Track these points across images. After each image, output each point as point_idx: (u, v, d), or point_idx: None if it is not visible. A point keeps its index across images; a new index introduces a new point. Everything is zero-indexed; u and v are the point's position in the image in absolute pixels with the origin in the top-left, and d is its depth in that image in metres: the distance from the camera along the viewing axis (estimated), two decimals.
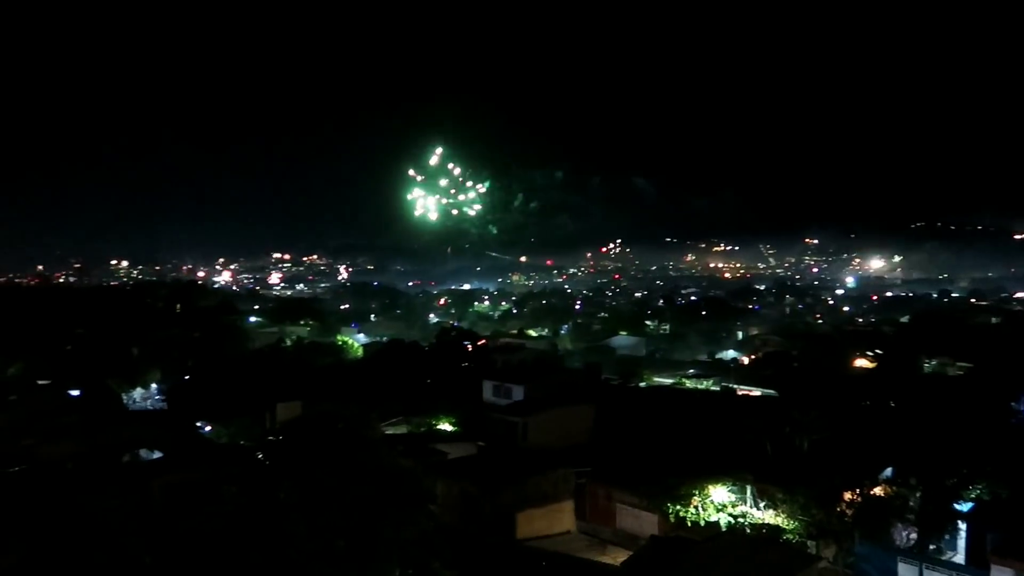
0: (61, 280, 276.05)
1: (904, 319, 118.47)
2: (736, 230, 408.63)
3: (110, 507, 18.89)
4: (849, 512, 28.74)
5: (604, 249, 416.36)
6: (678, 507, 31.92)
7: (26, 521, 18.21)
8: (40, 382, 58.10)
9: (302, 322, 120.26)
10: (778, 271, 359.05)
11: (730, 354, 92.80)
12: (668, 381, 67.34)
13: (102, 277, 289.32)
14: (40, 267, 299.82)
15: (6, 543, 16.03)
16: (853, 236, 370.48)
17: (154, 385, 65.14)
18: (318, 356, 76.39)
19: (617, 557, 30.77)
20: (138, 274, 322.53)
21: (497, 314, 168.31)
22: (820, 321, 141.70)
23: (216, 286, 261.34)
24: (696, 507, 31.64)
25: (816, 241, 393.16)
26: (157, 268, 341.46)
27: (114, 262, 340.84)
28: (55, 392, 54.26)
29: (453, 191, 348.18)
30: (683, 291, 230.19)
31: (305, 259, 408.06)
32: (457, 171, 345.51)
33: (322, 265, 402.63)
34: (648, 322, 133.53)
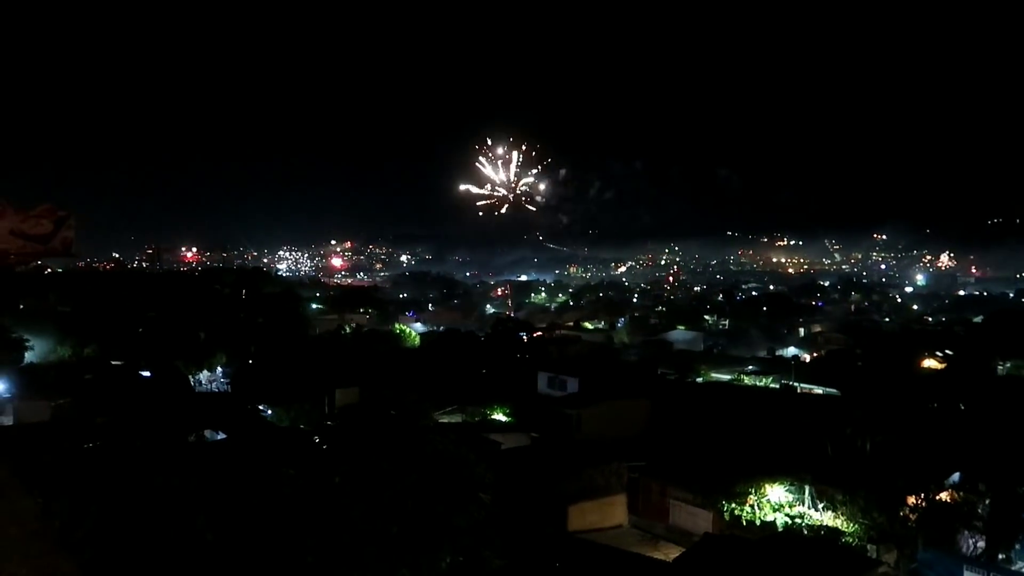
0: (134, 265, 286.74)
1: (977, 319, 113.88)
2: (800, 224, 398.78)
3: (176, 485, 19.54)
4: (913, 517, 27.83)
5: (661, 243, 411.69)
6: (733, 505, 31.42)
7: (98, 496, 18.99)
8: (113, 363, 60.47)
9: (361, 310, 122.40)
10: (844, 267, 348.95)
11: (791, 351, 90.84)
12: (726, 377, 66.42)
13: (172, 263, 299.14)
14: (116, 253, 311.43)
15: (79, 516, 16.75)
16: (928, 231, 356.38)
17: (219, 368, 67.12)
18: (376, 344, 77.65)
19: (670, 553, 30.46)
20: (207, 260, 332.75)
21: (553, 306, 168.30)
22: (887, 320, 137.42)
23: (280, 273, 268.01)
24: (752, 506, 31.09)
25: (885, 237, 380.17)
26: (224, 255, 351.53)
27: (184, 249, 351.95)
28: (127, 372, 56.50)
29: (515, 181, 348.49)
30: (743, 286, 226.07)
31: (366, 248, 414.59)
32: (518, 160, 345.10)
33: (382, 254, 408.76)
34: (707, 317, 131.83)
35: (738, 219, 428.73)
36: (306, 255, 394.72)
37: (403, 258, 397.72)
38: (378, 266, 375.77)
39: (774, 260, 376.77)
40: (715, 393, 54.76)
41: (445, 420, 47.64)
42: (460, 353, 69.99)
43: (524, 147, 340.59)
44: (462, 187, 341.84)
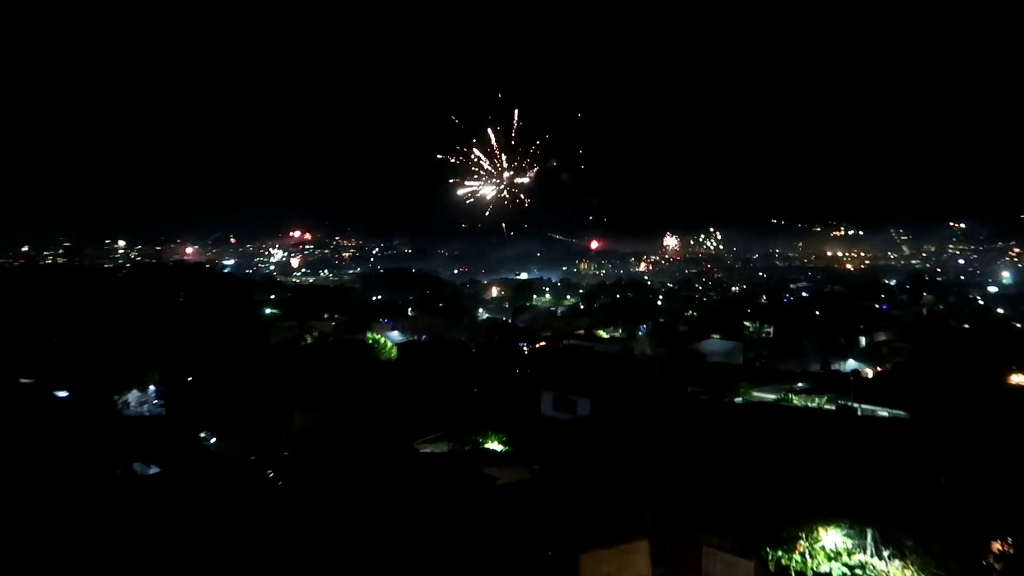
0: (49, 261, 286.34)
1: None
2: (861, 211, 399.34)
3: (95, 530, 19.47)
4: (998, 567, 27.80)
5: (692, 232, 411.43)
6: (780, 553, 31.34)
7: None
8: (22, 380, 60.25)
9: (326, 315, 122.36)
10: (913, 262, 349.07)
11: (850, 365, 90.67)
12: (771, 397, 66.21)
13: (95, 258, 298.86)
14: (26, 247, 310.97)
15: None
16: (1022, 218, 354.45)
17: (152, 387, 66.94)
18: (344, 357, 77.53)
19: None
20: (137, 255, 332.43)
21: (560, 310, 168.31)
22: (967, 326, 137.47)
23: (226, 270, 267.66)
24: (803, 554, 31.02)
25: (963, 226, 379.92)
26: (158, 249, 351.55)
27: (109, 241, 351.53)
28: (39, 393, 56.24)
29: (512, 159, 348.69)
30: (792, 285, 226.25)
31: (331, 240, 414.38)
32: (516, 134, 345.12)
33: (351, 247, 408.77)
34: (747, 323, 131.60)
35: (785, 205, 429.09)
36: (258, 249, 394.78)
37: (376, 252, 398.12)
38: (346, 259, 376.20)
39: (829, 254, 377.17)
40: (758, 416, 54.57)
41: (428, 449, 47.50)
42: (447, 368, 69.91)
43: (518, 123, 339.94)
44: (445, 159, 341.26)
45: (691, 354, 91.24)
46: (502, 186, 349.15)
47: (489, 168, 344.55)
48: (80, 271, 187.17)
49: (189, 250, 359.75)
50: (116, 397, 61.89)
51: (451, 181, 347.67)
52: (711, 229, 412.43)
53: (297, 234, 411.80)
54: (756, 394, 67.63)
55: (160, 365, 69.10)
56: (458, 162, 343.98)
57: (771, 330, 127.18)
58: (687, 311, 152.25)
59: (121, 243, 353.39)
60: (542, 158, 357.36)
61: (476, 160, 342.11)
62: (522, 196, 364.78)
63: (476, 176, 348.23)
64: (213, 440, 49.23)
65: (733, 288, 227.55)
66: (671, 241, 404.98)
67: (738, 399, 64.59)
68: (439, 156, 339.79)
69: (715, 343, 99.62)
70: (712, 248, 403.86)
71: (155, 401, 65.54)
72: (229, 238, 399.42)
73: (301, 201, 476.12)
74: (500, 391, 60.33)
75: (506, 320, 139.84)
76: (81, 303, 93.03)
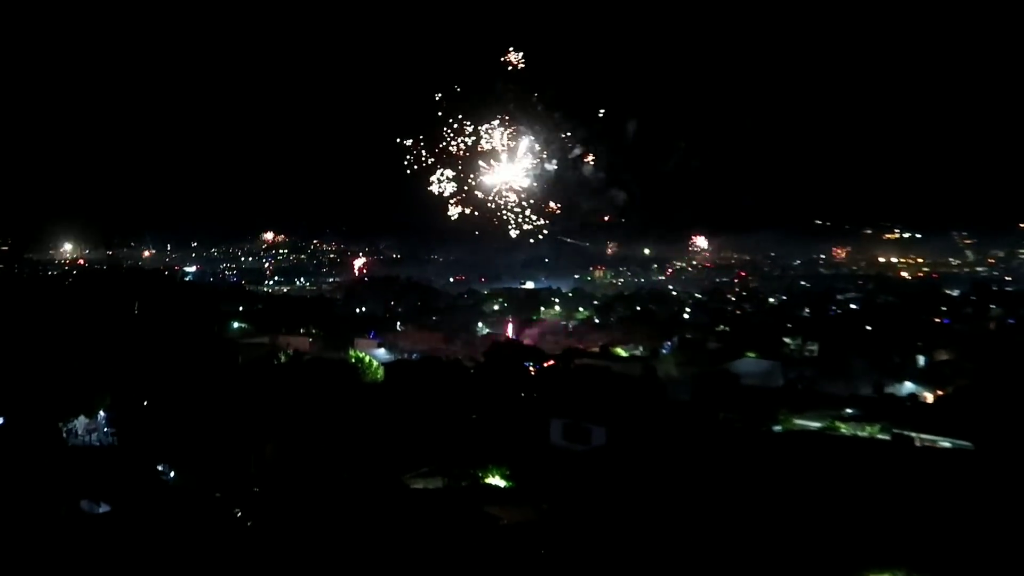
0: None
1: None
2: (918, 211, 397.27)
3: None
4: None
5: (724, 235, 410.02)
6: None
7: None
8: None
9: (302, 330, 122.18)
10: (979, 269, 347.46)
11: (907, 388, 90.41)
12: (815, 425, 65.99)
13: (37, 264, 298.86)
14: None
15: None
16: None
17: (102, 413, 66.85)
18: (323, 378, 77.40)
19: None
20: (84, 261, 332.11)
21: (572, 324, 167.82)
22: None
23: (188, 278, 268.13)
24: None
25: None
26: (109, 253, 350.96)
27: (53, 245, 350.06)
28: None
29: (517, 148, 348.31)
30: (839, 296, 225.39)
31: (307, 243, 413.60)
32: (519, 122, 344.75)
33: (331, 251, 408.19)
34: (787, 339, 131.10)
35: (831, 203, 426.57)
36: (224, 253, 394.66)
37: (360, 259, 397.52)
38: (325, 269, 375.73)
39: (881, 260, 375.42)
40: (800, 448, 54.39)
41: (420, 485, 47.37)
42: (441, 391, 69.70)
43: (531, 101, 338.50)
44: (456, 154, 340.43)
45: (723, 375, 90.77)
46: (505, 180, 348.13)
47: (490, 156, 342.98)
48: (18, 279, 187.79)
49: (145, 255, 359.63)
50: (60, 424, 61.80)
51: (442, 174, 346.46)
52: (746, 231, 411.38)
53: (269, 236, 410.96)
54: (798, 422, 67.35)
55: (111, 387, 68.94)
56: (451, 150, 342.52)
57: (815, 348, 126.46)
58: (718, 326, 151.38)
59: (67, 246, 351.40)
60: (554, 148, 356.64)
61: (472, 147, 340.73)
62: (528, 192, 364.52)
63: (472, 167, 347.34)
64: (172, 474, 49.15)
65: (771, 299, 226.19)
66: (699, 245, 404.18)
67: (777, 428, 64.33)
68: (420, 142, 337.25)
69: (750, 363, 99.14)
70: (746, 253, 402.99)
71: (105, 429, 65.38)
72: (191, 241, 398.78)
73: (272, 199, 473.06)
74: (502, 418, 60.22)
75: (509, 336, 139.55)
76: (20, 316, 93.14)
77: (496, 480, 49.29)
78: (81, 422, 65.49)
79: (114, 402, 67.46)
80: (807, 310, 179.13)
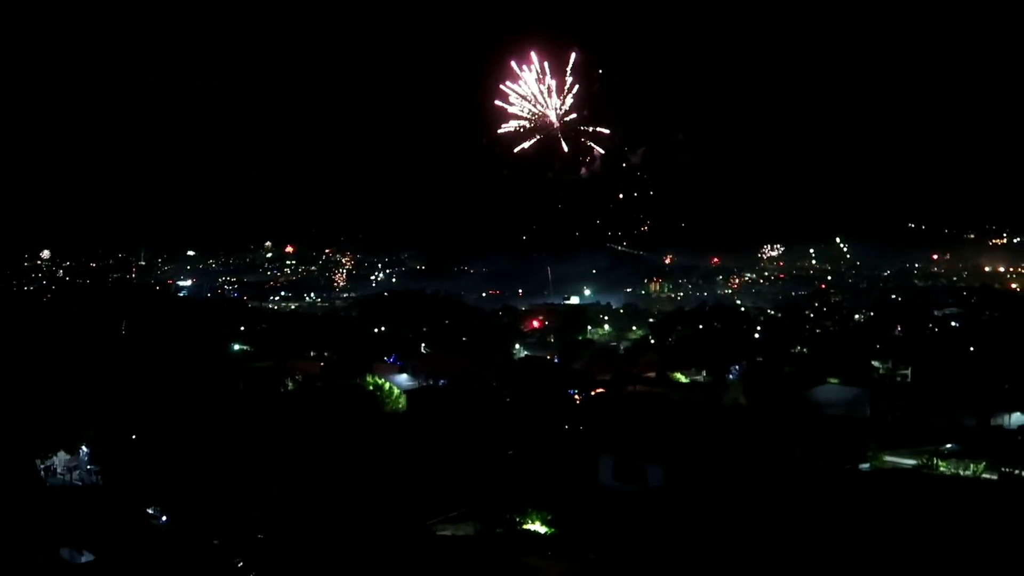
0: None
1: None
2: None
3: None
4: None
5: (801, 241, 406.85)
6: None
7: None
8: None
9: (312, 353, 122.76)
10: None
11: (1017, 419, 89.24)
12: (909, 462, 65.32)
13: (11, 277, 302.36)
14: None
15: None
16: None
17: (85, 448, 67.37)
18: (337, 408, 77.63)
19: None
20: (65, 273, 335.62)
21: (624, 345, 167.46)
22: None
23: (182, 293, 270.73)
24: None
25: None
26: (93, 265, 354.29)
27: (29, 255, 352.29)
28: None
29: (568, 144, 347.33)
30: (937, 312, 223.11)
31: (319, 253, 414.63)
32: (567, 107, 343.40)
33: (347, 262, 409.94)
34: (875, 362, 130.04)
35: (926, 205, 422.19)
36: (225, 265, 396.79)
37: (377, 273, 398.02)
38: (340, 282, 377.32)
39: (987, 269, 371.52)
40: (892, 489, 53.86)
41: (448, 532, 47.33)
42: (472, 423, 69.72)
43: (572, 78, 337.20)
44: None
45: (800, 405, 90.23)
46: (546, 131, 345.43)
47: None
48: None
49: (134, 267, 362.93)
50: (38, 461, 62.34)
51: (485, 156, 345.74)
52: (827, 236, 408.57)
53: (271, 244, 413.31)
54: (889, 459, 66.66)
55: (95, 419, 69.52)
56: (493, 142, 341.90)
57: (908, 372, 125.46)
58: (794, 347, 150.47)
59: (45, 254, 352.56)
60: (607, 145, 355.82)
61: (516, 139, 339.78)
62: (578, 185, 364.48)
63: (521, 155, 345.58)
64: (164, 518, 49.39)
65: (856, 315, 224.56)
66: (772, 253, 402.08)
67: (864, 465, 63.70)
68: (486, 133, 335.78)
69: (833, 390, 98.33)
70: (827, 262, 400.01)
71: (88, 466, 65.86)
72: (186, 251, 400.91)
73: (279, 202, 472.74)
74: (543, 454, 60.07)
75: (552, 358, 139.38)
76: None
77: (536, 526, 49.13)
78: (61, 459, 65.99)
79: (98, 436, 67.92)
80: (899, 328, 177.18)
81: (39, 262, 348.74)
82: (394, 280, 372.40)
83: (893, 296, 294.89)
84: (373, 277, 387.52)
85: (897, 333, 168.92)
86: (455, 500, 49.96)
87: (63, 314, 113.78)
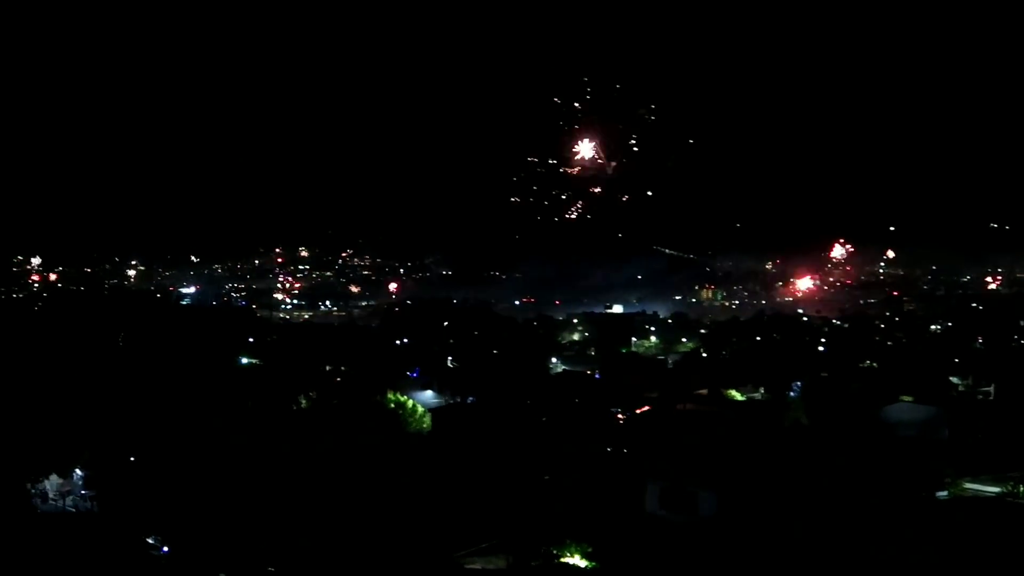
0: None
1: None
2: None
3: None
4: None
5: (870, 244, 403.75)
6: None
7: None
8: None
9: (327, 367, 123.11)
10: None
11: None
12: (992, 490, 64.89)
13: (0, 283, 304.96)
14: None
15: None
16: None
17: (79, 471, 67.82)
18: (354, 427, 77.79)
19: None
20: (58, 279, 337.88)
21: (672, 359, 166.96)
22: None
23: (185, 301, 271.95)
24: None
25: None
26: (89, 270, 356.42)
27: (19, 259, 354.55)
28: None
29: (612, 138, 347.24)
30: (1022, 322, 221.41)
31: (335, 257, 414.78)
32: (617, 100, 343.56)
33: (363, 267, 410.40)
34: (954, 379, 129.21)
35: (1011, 202, 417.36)
36: (231, 270, 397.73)
37: (394, 283, 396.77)
38: (356, 288, 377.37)
39: None
40: (974, 520, 53.37)
41: (478, 566, 47.36)
42: (504, 444, 69.74)
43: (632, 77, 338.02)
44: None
45: (870, 426, 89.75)
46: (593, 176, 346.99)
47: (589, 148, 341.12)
48: None
49: (132, 272, 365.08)
50: (28, 485, 62.78)
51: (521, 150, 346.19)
52: (898, 239, 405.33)
53: (283, 249, 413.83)
54: (970, 486, 66.23)
55: (91, 439, 69.96)
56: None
57: (991, 389, 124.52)
58: (863, 361, 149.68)
59: (36, 261, 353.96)
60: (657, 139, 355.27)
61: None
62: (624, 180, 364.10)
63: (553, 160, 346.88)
64: (165, 548, 49.65)
65: (933, 326, 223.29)
66: (838, 256, 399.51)
67: (942, 493, 63.30)
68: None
69: (906, 408, 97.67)
70: (899, 267, 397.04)
71: (83, 491, 66.28)
72: (188, 256, 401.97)
73: (291, 202, 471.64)
74: (583, 479, 59.98)
75: (592, 373, 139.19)
76: None
77: (575, 559, 49.10)
78: (53, 482, 66.45)
79: (93, 457, 68.32)
80: (980, 340, 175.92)
81: (29, 267, 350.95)
82: (419, 285, 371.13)
83: (974, 304, 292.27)
84: (394, 284, 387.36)
85: (978, 346, 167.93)
86: (485, 530, 50.00)
87: (55, 324, 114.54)
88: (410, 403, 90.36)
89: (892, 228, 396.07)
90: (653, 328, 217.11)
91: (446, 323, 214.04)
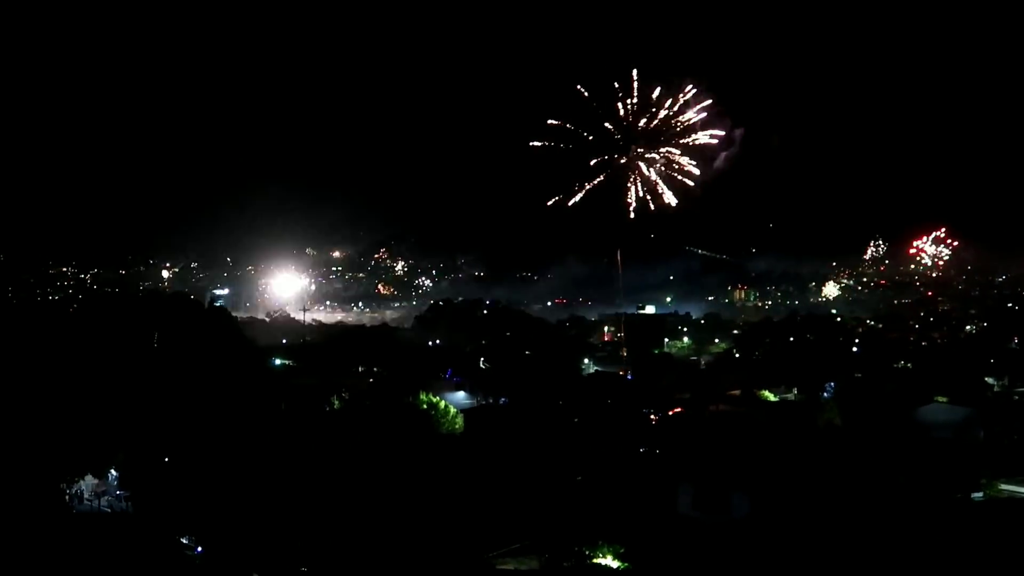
0: None
1: None
2: None
3: None
4: None
5: (904, 242, 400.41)
6: None
7: None
8: None
9: (360, 368, 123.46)
10: None
11: None
12: None
13: (34, 286, 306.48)
14: None
15: None
16: None
17: (114, 472, 68.38)
18: (387, 428, 77.96)
19: None
20: (91, 280, 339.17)
21: (705, 360, 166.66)
22: None
23: (219, 303, 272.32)
24: None
25: None
26: (123, 272, 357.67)
27: (53, 262, 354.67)
28: None
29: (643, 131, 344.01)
30: None
31: (368, 258, 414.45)
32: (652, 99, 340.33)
33: (397, 268, 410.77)
34: (990, 379, 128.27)
35: None
36: (264, 272, 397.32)
37: (429, 281, 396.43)
38: (390, 290, 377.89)
39: None
40: (1008, 521, 53.25)
41: (511, 567, 47.49)
42: (536, 445, 69.80)
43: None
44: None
45: (904, 427, 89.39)
46: (626, 172, 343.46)
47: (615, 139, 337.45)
48: (9, 305, 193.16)
49: (166, 274, 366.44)
50: (63, 487, 63.29)
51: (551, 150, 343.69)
52: (933, 236, 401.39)
53: (314, 251, 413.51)
54: (1005, 487, 65.91)
55: (125, 441, 70.41)
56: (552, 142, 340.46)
57: None
58: (897, 361, 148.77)
59: (71, 263, 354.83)
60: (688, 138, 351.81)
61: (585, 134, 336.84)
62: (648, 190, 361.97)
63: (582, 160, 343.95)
64: (199, 548, 50.01)
65: (968, 326, 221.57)
66: (872, 257, 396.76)
67: (977, 495, 63.03)
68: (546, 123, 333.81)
69: (941, 410, 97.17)
70: (934, 267, 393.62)
71: (118, 492, 66.87)
72: (224, 258, 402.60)
73: (325, 204, 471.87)
74: (616, 480, 60.08)
75: (624, 374, 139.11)
76: (12, 352, 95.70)
77: (608, 560, 49.18)
78: (88, 483, 67.09)
79: (128, 459, 68.81)
80: (1016, 340, 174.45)
81: (64, 269, 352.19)
82: (451, 286, 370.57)
83: (1010, 304, 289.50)
84: (427, 284, 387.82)
85: (1014, 346, 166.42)
86: (518, 531, 50.14)
87: (90, 326, 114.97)
88: (442, 404, 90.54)
89: (927, 228, 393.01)
90: (686, 329, 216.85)
91: (478, 324, 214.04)
